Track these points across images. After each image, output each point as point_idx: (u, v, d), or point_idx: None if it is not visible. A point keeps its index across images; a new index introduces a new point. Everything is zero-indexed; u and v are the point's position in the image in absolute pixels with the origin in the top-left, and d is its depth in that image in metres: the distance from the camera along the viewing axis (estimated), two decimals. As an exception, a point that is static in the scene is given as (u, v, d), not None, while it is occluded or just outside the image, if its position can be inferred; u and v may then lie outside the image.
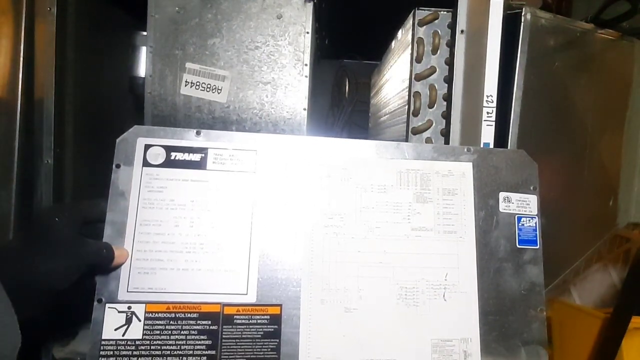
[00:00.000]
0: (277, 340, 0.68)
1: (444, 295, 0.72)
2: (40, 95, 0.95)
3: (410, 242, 0.73)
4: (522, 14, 0.88)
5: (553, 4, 1.27)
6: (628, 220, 1.11)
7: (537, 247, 0.76)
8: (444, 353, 0.71)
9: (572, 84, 0.97)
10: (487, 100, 0.86)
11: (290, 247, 0.70)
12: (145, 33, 0.90)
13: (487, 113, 0.86)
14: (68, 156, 1.01)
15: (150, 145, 0.69)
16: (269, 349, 0.67)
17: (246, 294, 0.68)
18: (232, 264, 0.68)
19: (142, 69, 1.36)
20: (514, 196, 0.77)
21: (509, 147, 0.88)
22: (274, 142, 0.73)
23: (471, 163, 0.77)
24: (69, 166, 1.01)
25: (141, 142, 0.69)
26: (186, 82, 0.90)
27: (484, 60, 0.86)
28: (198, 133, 0.71)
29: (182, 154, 0.70)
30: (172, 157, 0.69)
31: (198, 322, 0.66)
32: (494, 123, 0.87)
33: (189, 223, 0.68)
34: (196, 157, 0.70)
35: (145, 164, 0.69)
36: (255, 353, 0.67)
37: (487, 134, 0.86)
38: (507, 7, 0.85)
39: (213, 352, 0.66)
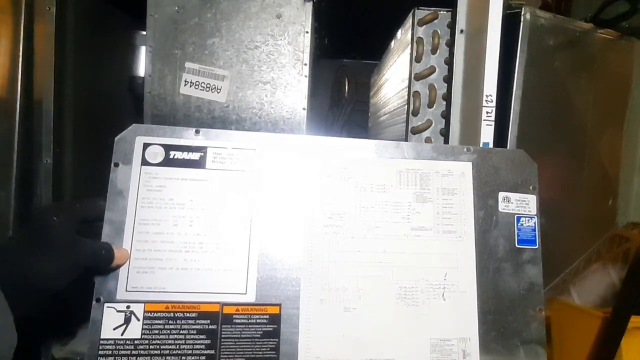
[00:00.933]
0: (277, 340, 0.67)
1: (443, 295, 0.72)
2: (39, 95, 0.95)
3: (409, 242, 0.73)
4: (522, 13, 0.87)
5: (552, 3, 1.26)
6: (627, 220, 1.10)
7: (536, 247, 0.76)
8: (443, 352, 0.71)
9: (571, 84, 0.95)
10: (486, 100, 0.85)
11: (290, 246, 0.70)
12: (144, 32, 0.89)
13: (487, 113, 0.86)
14: (67, 156, 1.01)
15: (149, 144, 0.69)
16: (268, 349, 0.67)
17: (245, 294, 0.68)
18: (231, 263, 0.68)
19: (141, 69, 1.36)
20: (513, 196, 0.77)
21: (508, 147, 0.88)
22: (274, 141, 0.73)
23: (471, 163, 0.77)
24: (69, 166, 1.01)
25: (140, 140, 0.69)
26: (185, 81, 0.90)
27: (483, 59, 0.85)
28: (197, 132, 0.70)
29: (181, 152, 0.69)
30: (171, 156, 0.69)
31: (197, 321, 0.66)
32: (493, 123, 0.86)
33: (188, 222, 0.68)
34: (195, 156, 0.70)
35: (144, 162, 0.69)
36: (254, 352, 0.66)
37: (487, 134, 0.86)
38: (506, 6, 0.85)
39: (212, 352, 0.65)
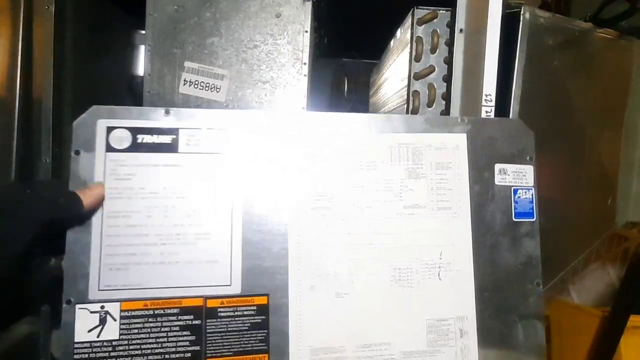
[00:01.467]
0: (266, 331, 0.51)
1: (438, 274, 0.54)
2: (38, 94, 0.78)
3: (403, 221, 0.54)
4: (521, 13, 0.69)
5: (552, 3, 1.08)
6: (626, 219, 0.92)
7: (534, 219, 0.58)
8: (439, 333, 0.55)
9: (570, 83, 0.76)
10: (485, 100, 0.68)
11: (276, 232, 0.52)
12: (144, 32, 0.74)
13: (486, 112, 0.68)
14: (67, 155, 0.81)
15: (113, 128, 0.51)
16: (257, 341, 0.50)
17: (230, 285, 0.50)
18: (213, 254, 0.50)
19: (140, 68, 1.15)
20: (510, 167, 0.57)
21: None
22: (253, 118, 0.53)
23: (465, 134, 0.57)
24: (68, 165, 0.81)
25: (102, 124, 0.50)
26: (185, 80, 0.73)
27: (482, 59, 0.68)
28: (167, 112, 0.52)
29: (150, 136, 0.51)
30: (139, 140, 0.50)
31: (179, 317, 0.49)
32: None
33: (162, 212, 0.49)
34: (166, 139, 0.51)
35: (109, 149, 0.50)
36: (242, 346, 0.50)
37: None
38: (506, 6, 0.68)
39: (197, 348, 0.49)
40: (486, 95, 0.68)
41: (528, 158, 0.60)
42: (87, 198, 0.47)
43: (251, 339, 0.50)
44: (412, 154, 0.57)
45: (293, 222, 0.53)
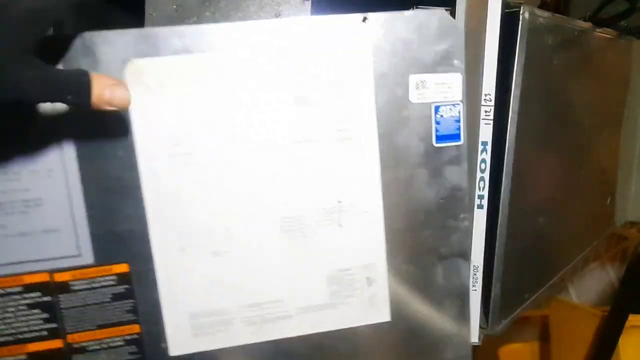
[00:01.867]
0: (133, 301, 0.33)
1: (339, 220, 0.27)
2: None
3: (291, 160, 0.29)
4: (520, 12, 0.44)
5: (551, 2, 0.76)
6: (625, 219, 0.67)
7: (460, 142, 0.35)
8: (342, 284, 0.36)
9: (570, 83, 0.55)
10: (485, 99, 0.45)
11: (127, 189, 0.27)
12: None
13: (485, 112, 0.46)
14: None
15: None
16: (124, 311, 0.32)
17: (80, 255, 0.29)
18: (50, 222, 0.30)
19: None
20: (431, 78, 0.29)
21: (507, 147, 0.42)
22: (68, 45, 0.25)
23: (369, 39, 0.26)
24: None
25: None
26: None
27: (482, 59, 0.44)
28: None
29: None
30: None
31: (24, 295, 0.31)
32: (492, 122, 0.45)
33: None
34: None
35: None
36: (107, 318, 0.32)
37: (486, 133, 0.47)
38: (505, 5, 0.43)
39: (54, 325, 0.33)
40: (485, 95, 0.46)
41: (455, 62, 0.29)
42: (100, 89, 0.21)
43: (116, 310, 0.31)
44: (298, 73, 0.29)
45: (147, 176, 0.29)
